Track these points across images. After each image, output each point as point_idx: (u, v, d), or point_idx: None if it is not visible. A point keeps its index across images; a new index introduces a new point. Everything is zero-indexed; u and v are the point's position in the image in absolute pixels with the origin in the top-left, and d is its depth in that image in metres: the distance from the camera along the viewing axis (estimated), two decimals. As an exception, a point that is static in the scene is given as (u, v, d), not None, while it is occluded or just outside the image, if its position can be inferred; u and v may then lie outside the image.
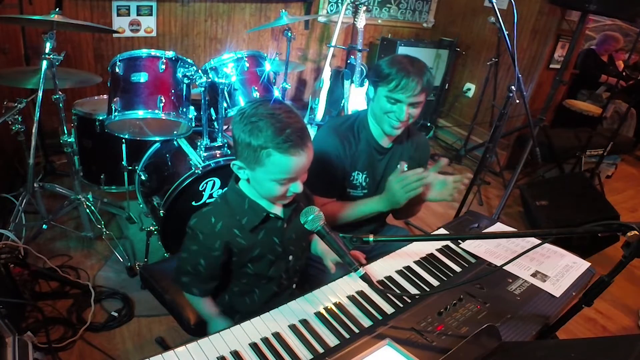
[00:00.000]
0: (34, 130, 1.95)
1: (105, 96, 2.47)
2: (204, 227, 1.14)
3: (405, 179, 1.44)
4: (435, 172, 1.49)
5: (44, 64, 1.87)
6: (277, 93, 2.25)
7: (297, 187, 1.11)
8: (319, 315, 1.08)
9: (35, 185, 2.14)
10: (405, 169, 1.48)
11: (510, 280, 1.23)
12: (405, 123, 1.48)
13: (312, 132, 2.91)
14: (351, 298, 1.14)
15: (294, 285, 1.35)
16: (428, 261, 1.32)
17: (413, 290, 1.20)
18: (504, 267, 1.02)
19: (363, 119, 1.59)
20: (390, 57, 1.47)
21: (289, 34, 2.94)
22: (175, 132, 2.14)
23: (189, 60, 2.00)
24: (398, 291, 1.19)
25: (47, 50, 1.84)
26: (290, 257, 1.27)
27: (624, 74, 3.85)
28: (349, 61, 3.68)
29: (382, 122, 1.50)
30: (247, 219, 1.15)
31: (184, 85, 1.99)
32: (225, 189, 1.23)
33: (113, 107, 1.91)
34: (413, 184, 1.43)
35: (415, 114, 1.47)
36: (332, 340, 1.00)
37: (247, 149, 1.05)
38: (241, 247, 1.16)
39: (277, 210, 1.19)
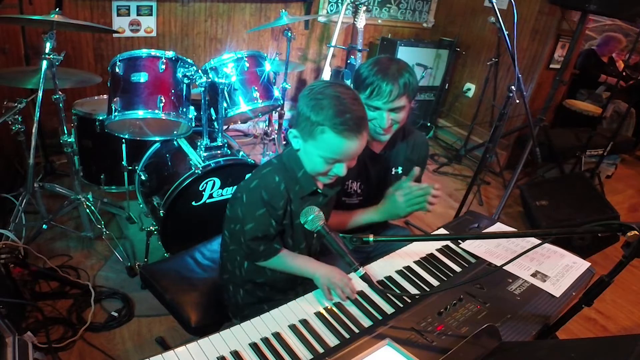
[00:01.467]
0: (34, 130, 1.95)
1: (105, 96, 2.47)
2: (269, 185, 1.17)
3: (409, 192, 1.41)
4: (411, 182, 1.44)
5: (44, 64, 1.87)
6: (276, 93, 2.25)
7: (341, 169, 1.15)
8: (319, 315, 1.08)
9: (35, 185, 2.14)
10: (409, 181, 1.43)
11: (510, 280, 1.23)
12: (390, 129, 1.42)
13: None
14: (351, 298, 1.14)
15: None
16: (428, 261, 1.33)
17: (413, 290, 1.20)
18: (504, 267, 1.02)
19: None
20: (370, 60, 1.41)
21: (289, 34, 2.94)
22: (175, 132, 2.14)
23: (189, 60, 2.00)
24: (398, 291, 1.19)
25: (47, 50, 1.84)
26: (315, 235, 1.31)
27: (624, 74, 3.84)
28: (349, 61, 3.67)
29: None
30: (299, 187, 1.19)
31: (184, 85, 1.99)
32: (286, 148, 1.24)
33: (113, 107, 1.91)
34: (418, 199, 1.40)
35: (400, 119, 1.41)
36: (332, 340, 1.00)
37: (306, 121, 1.11)
38: (291, 211, 1.20)
39: (321, 188, 1.23)
